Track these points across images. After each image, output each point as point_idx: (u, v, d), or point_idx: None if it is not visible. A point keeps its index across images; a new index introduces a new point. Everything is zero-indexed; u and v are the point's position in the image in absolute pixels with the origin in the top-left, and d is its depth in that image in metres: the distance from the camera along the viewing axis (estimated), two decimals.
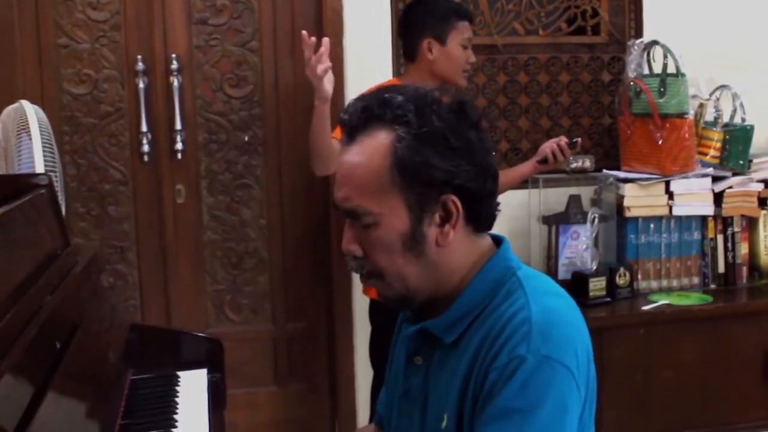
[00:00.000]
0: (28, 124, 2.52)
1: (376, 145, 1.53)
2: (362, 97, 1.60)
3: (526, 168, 3.35)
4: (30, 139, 2.51)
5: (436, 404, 1.59)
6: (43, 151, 2.55)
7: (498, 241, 1.67)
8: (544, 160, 3.37)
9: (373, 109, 1.55)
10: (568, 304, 1.60)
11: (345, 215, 1.59)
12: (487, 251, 1.63)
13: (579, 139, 3.12)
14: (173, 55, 3.63)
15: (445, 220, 1.55)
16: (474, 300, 1.57)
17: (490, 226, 1.64)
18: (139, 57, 3.61)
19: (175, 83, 3.63)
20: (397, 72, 3.69)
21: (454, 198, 1.53)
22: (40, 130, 2.56)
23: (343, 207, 1.57)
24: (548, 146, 3.22)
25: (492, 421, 1.44)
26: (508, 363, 1.45)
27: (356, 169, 1.55)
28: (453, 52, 3.21)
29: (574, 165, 3.47)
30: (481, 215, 1.59)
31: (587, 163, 3.27)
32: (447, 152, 1.52)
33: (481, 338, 1.52)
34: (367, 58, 3.68)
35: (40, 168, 2.49)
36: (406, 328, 1.69)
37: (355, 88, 3.29)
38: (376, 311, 3.30)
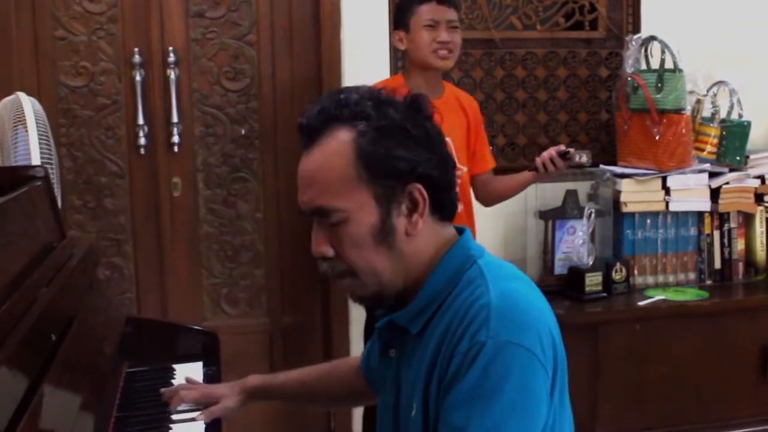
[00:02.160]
0: (24, 116, 2.52)
1: (337, 143, 1.56)
2: (317, 101, 1.63)
3: (523, 177, 3.33)
4: (26, 132, 2.51)
5: (406, 394, 1.64)
6: (40, 143, 2.55)
7: (460, 231, 1.70)
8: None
9: (331, 110, 1.58)
10: (528, 287, 1.63)
11: (312, 217, 1.62)
12: (450, 240, 1.66)
13: (572, 150, 3.11)
14: (170, 48, 3.62)
15: (412, 209, 1.59)
16: (436, 289, 1.60)
17: (453, 216, 1.68)
18: (136, 50, 3.60)
19: (172, 76, 3.62)
20: (394, 66, 3.68)
21: (420, 187, 1.57)
22: (37, 123, 2.55)
23: (310, 208, 1.60)
24: (540, 158, 3.21)
25: (455, 406, 1.47)
26: (469, 349, 1.47)
27: (320, 171, 1.57)
28: (416, 37, 3.19)
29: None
30: (445, 204, 1.63)
31: (584, 158, 3.26)
32: (408, 142, 1.56)
33: (444, 327, 1.56)
34: (365, 52, 3.67)
35: (36, 160, 2.48)
36: (379, 323, 1.73)
37: (353, 82, 3.27)
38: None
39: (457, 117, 3.28)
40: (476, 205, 3.42)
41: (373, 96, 1.60)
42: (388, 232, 1.57)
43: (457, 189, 1.72)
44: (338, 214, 1.56)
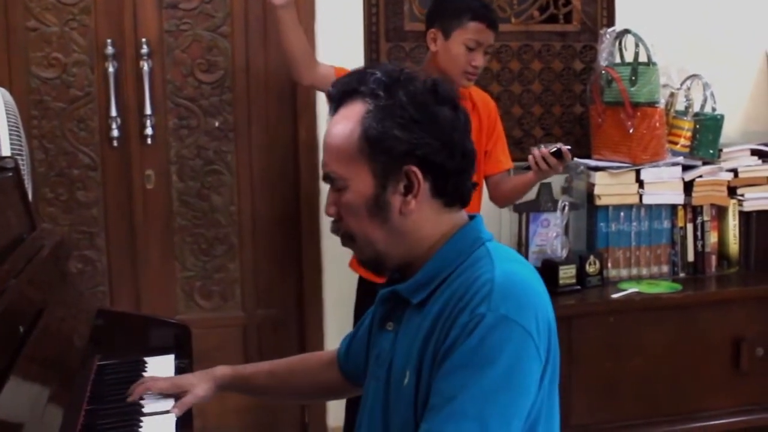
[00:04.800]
0: None
1: (350, 115, 1.65)
2: (348, 73, 1.72)
3: (525, 177, 3.31)
4: None
5: (400, 363, 1.68)
6: (10, 134, 2.53)
7: (472, 218, 1.74)
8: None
9: (353, 84, 1.67)
10: (532, 274, 1.67)
11: (325, 180, 1.71)
12: (459, 224, 1.71)
13: (559, 145, 3.08)
14: (143, 40, 3.60)
15: (408, 190, 1.64)
16: (441, 264, 1.66)
17: (463, 203, 1.72)
18: (109, 41, 3.58)
19: (145, 68, 3.60)
20: (369, 57, 3.68)
21: (415, 169, 1.62)
22: (7, 114, 2.54)
23: (324, 172, 1.70)
24: (531, 156, 3.18)
25: (447, 374, 1.52)
26: (469, 321, 1.53)
27: (333, 138, 1.67)
28: (453, 49, 3.12)
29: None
30: (449, 190, 1.67)
31: (560, 170, 3.25)
32: (410, 125, 1.61)
33: (445, 300, 1.61)
34: (339, 43, 3.67)
35: (6, 151, 2.47)
36: (381, 292, 1.78)
37: None
38: (363, 286, 3.26)
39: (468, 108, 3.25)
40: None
41: (392, 75, 1.66)
42: (381, 207, 1.64)
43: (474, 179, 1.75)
44: (340, 181, 1.66)
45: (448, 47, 3.14)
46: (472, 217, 1.74)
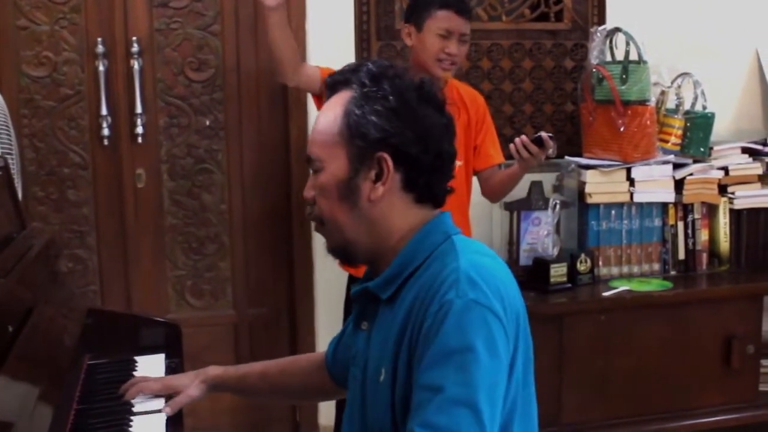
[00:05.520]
0: None
1: (338, 101, 1.71)
2: (346, 65, 1.79)
3: (510, 170, 3.30)
4: None
5: (375, 360, 1.70)
6: (0, 133, 2.53)
7: (441, 214, 1.78)
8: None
9: (347, 74, 1.73)
10: (499, 264, 1.70)
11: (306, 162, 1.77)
12: (427, 219, 1.74)
13: (543, 134, 3.08)
14: (134, 38, 3.59)
15: (378, 177, 1.68)
16: (408, 258, 1.69)
17: (436, 202, 1.76)
18: (100, 39, 3.57)
19: (136, 66, 3.59)
20: (360, 55, 3.68)
21: (387, 157, 1.66)
22: None
23: (306, 155, 1.76)
24: (512, 144, 3.18)
25: (428, 368, 1.53)
26: (439, 309, 1.55)
27: (319, 122, 1.73)
28: (426, 40, 3.14)
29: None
30: (420, 185, 1.70)
31: (551, 150, 3.25)
32: (387, 113, 1.66)
33: (414, 294, 1.64)
34: (330, 42, 3.66)
35: None
36: (353, 291, 1.81)
37: None
38: (352, 285, 3.26)
39: (453, 111, 3.24)
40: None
41: (382, 68, 1.72)
42: (352, 190, 1.68)
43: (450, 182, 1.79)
44: (317, 162, 1.71)
45: (422, 39, 3.17)
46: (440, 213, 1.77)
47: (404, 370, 1.61)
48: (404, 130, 1.66)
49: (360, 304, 1.81)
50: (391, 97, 1.66)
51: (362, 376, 1.75)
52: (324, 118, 1.72)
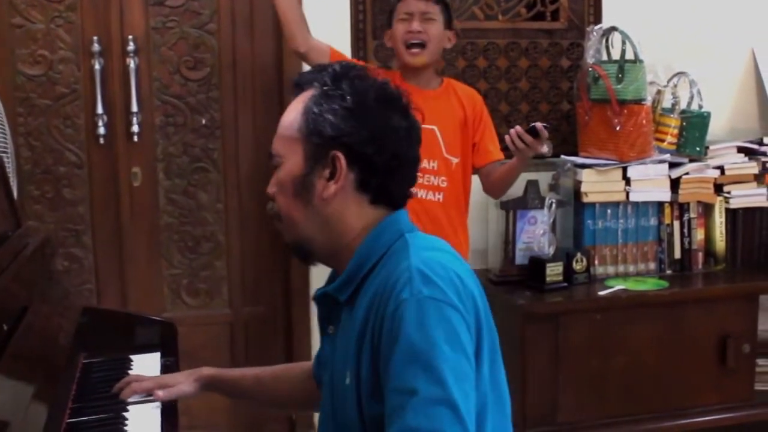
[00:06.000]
0: None
1: (300, 99, 1.74)
2: (315, 65, 1.87)
3: (509, 163, 3.30)
4: None
5: (340, 364, 1.71)
6: None
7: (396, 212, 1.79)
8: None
9: (312, 74, 1.78)
10: (452, 258, 1.70)
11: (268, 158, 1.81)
12: (381, 218, 1.75)
13: (536, 124, 3.08)
14: (130, 37, 3.58)
15: (332, 175, 1.69)
16: (362, 259, 1.71)
17: (393, 205, 1.76)
18: (95, 38, 3.57)
19: (132, 65, 3.59)
20: (356, 55, 3.68)
21: (340, 155, 1.68)
22: None
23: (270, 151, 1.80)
24: (507, 136, 3.18)
25: (399, 369, 1.52)
26: (396, 309, 1.55)
27: (282, 119, 1.77)
28: (394, 31, 3.22)
29: None
30: (374, 186, 1.72)
31: (545, 148, 3.26)
32: (343, 112, 1.68)
33: (371, 295, 1.65)
34: (327, 40, 3.62)
35: None
36: (314, 296, 1.84)
37: None
38: None
39: (449, 108, 3.27)
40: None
41: (345, 69, 1.75)
42: (306, 188, 1.71)
43: (413, 185, 1.81)
44: (277, 158, 1.75)
45: (392, 33, 3.24)
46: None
47: (368, 372, 1.61)
48: (359, 130, 1.67)
49: (324, 309, 1.82)
50: (348, 97, 1.68)
51: (330, 381, 1.76)
52: (287, 115, 1.75)
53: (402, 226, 1.74)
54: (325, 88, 1.71)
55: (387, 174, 1.71)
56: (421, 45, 3.18)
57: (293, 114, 1.73)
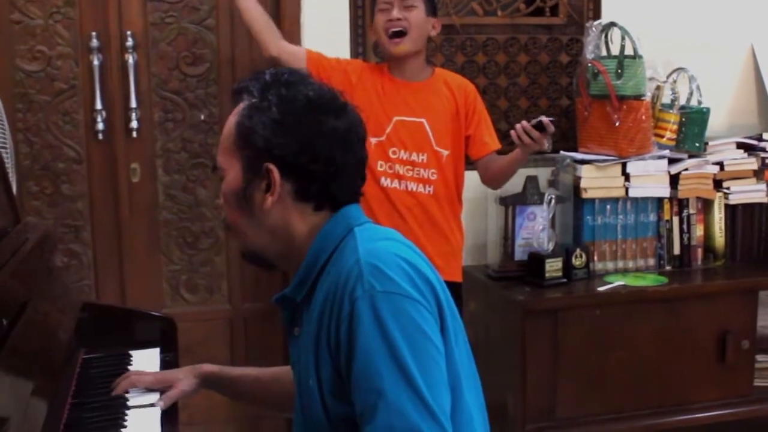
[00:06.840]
0: None
1: (235, 110, 1.74)
2: (252, 73, 1.83)
3: (511, 155, 3.30)
4: None
5: (304, 364, 1.71)
6: None
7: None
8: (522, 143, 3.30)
9: (246, 82, 1.77)
10: (399, 245, 1.69)
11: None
12: (330, 217, 1.74)
13: (542, 118, 3.08)
14: (128, 32, 3.58)
15: (269, 187, 1.69)
16: (314, 257, 1.71)
17: (336, 209, 1.74)
18: (94, 34, 3.56)
19: (130, 61, 3.58)
20: (355, 51, 3.68)
21: (273, 168, 1.68)
22: None
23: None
24: (513, 130, 3.18)
25: (363, 369, 1.52)
26: (351, 309, 1.55)
27: (223, 130, 1.76)
28: (376, 22, 3.24)
29: None
30: (314, 195, 1.71)
31: (545, 143, 3.26)
32: (272, 124, 1.67)
33: (325, 293, 1.65)
34: (325, 36, 3.65)
35: None
36: (274, 299, 1.85)
37: None
38: None
39: (438, 100, 3.26)
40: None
41: (275, 78, 1.74)
42: (246, 200, 1.71)
43: (359, 188, 1.80)
44: (220, 170, 1.76)
45: (374, 25, 3.27)
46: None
47: (328, 372, 1.61)
48: (289, 141, 1.67)
49: (287, 312, 1.82)
50: (274, 108, 1.68)
51: (298, 381, 1.78)
52: (225, 127, 1.75)
53: (351, 220, 1.73)
54: (253, 100, 1.71)
55: (326, 180, 1.70)
56: (402, 33, 3.18)
57: (229, 126, 1.74)
